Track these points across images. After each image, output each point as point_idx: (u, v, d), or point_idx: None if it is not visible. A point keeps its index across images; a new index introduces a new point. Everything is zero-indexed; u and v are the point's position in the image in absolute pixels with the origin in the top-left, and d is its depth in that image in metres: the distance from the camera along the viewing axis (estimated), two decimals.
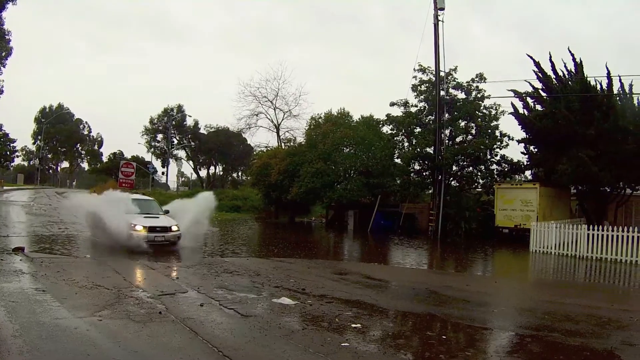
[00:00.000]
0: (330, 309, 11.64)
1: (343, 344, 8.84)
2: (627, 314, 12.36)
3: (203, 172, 77.84)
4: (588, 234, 24.86)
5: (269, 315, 10.77)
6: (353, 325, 10.16)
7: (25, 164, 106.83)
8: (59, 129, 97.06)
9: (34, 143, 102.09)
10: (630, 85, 31.68)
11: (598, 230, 24.65)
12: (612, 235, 24.09)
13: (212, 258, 20.80)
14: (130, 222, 21.46)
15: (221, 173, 75.15)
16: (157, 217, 23.19)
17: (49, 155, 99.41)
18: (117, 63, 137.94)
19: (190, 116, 77.45)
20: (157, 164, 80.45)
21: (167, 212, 24.57)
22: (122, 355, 7.78)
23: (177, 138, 77.57)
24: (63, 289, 12.10)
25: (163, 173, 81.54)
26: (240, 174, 75.15)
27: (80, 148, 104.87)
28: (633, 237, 23.44)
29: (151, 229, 21.59)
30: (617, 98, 31.70)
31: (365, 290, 14.35)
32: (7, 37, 45.45)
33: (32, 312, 9.77)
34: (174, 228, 22.49)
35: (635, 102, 31.85)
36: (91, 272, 14.39)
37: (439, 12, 35.37)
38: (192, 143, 75.70)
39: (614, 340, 9.94)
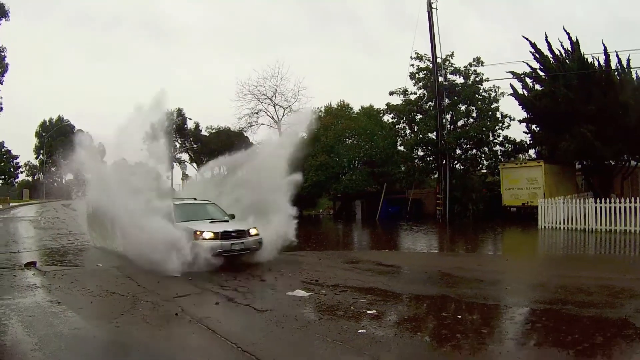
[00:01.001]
0: (345, 297, 11.76)
1: (360, 331, 8.92)
2: None
3: (207, 174, 77.96)
4: (596, 207, 24.91)
5: (284, 308, 10.81)
6: (368, 312, 10.25)
7: (30, 179, 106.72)
8: (61, 141, 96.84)
9: (36, 157, 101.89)
10: (628, 60, 31.83)
11: (605, 203, 24.70)
12: (620, 207, 24.11)
13: None
14: (192, 229, 17.12)
15: (226, 173, 75.24)
16: (227, 221, 18.87)
17: (53, 169, 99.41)
18: (114, 69, 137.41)
19: (190, 119, 77.50)
20: (161, 169, 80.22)
21: (233, 216, 19.49)
22: (142, 358, 7.90)
23: (179, 142, 77.58)
24: (78, 299, 12.09)
25: (167, 177, 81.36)
26: (244, 173, 75.29)
27: (82, 159, 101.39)
28: (636, 207, 23.52)
29: (225, 235, 17.16)
30: (616, 73, 31.73)
31: (378, 277, 14.46)
32: (2, 53, 45.01)
33: (49, 324, 9.75)
34: (253, 231, 17.98)
35: (634, 76, 31.91)
36: (104, 281, 14.39)
37: (432, 0, 35.36)
38: (195, 145, 75.72)
39: (628, 308, 10.00)
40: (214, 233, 17.17)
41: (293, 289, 12.54)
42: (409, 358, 8.04)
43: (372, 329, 9.10)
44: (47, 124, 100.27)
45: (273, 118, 58.95)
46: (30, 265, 17.48)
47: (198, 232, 17.14)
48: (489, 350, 8.04)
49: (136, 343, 8.68)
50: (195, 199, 20.72)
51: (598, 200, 25.14)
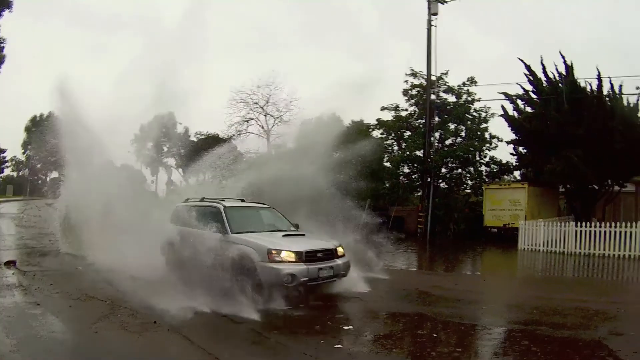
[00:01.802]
0: (322, 312, 11.84)
1: (336, 346, 9.07)
2: (615, 306, 12.66)
3: (192, 180, 77.76)
4: (576, 231, 25.13)
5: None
6: (345, 328, 10.35)
7: (15, 174, 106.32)
8: (49, 138, 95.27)
9: (23, 153, 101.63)
10: (620, 86, 32.02)
11: (585, 226, 24.98)
12: (600, 231, 24.46)
13: None
14: (263, 246, 12.72)
15: (211, 180, 74.97)
16: (302, 235, 14.65)
17: (39, 165, 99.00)
18: (108, 69, 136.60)
19: (180, 123, 77.11)
20: (146, 172, 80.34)
21: (297, 225, 15.91)
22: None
23: (167, 146, 77.31)
24: (57, 302, 12.09)
25: (152, 181, 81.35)
26: (229, 181, 75.07)
27: (69, 158, 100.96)
28: (619, 232, 23.85)
29: (310, 257, 12.87)
30: (607, 99, 32.00)
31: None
32: (1, 44, 44.85)
33: (28, 326, 9.82)
34: (340, 250, 13.90)
35: (625, 102, 32.19)
36: (83, 284, 14.32)
37: (432, 17, 35.59)
38: (182, 150, 75.56)
39: (602, 331, 10.19)
40: (296, 253, 12.67)
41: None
42: None
43: (348, 344, 9.22)
44: (38, 119, 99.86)
45: (263, 127, 58.80)
46: (10, 264, 17.36)
47: (274, 252, 12.57)
48: None
49: (114, 349, 8.72)
50: (242, 200, 17.09)
51: (579, 224, 25.38)
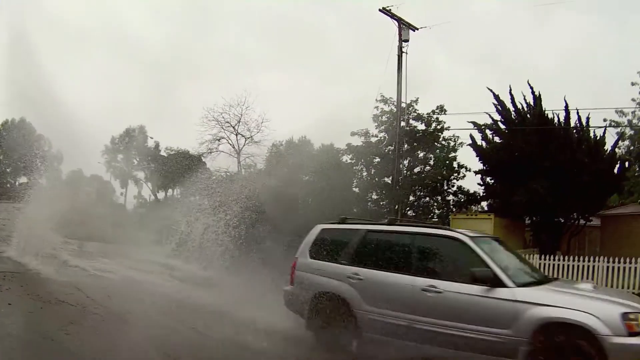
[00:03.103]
0: None
1: None
2: None
3: (161, 195, 77.58)
4: (540, 264, 25.24)
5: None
6: None
7: None
8: (18, 144, 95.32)
9: None
10: (588, 119, 32.48)
11: (548, 259, 25.23)
12: (562, 265, 24.72)
13: None
14: (619, 310, 8.60)
15: (179, 196, 74.77)
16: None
17: (8, 170, 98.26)
18: (81, 80, 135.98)
19: (152, 137, 77.17)
20: (116, 184, 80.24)
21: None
22: None
23: (137, 159, 77.26)
24: (28, 303, 12.23)
25: (121, 194, 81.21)
26: (198, 198, 74.84)
27: (39, 164, 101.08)
28: (582, 265, 24.09)
29: None
30: (574, 131, 32.44)
31: None
32: None
33: (0, 324, 9.97)
34: None
35: (592, 135, 32.58)
36: (53, 288, 14.43)
37: (403, 44, 35.81)
38: (152, 165, 75.35)
39: None
40: None
41: None
42: None
43: None
44: (9, 124, 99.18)
45: (234, 147, 58.73)
46: None
47: (632, 317, 8.45)
48: None
49: (86, 351, 8.76)
50: (392, 220, 13.66)
51: (543, 257, 25.55)
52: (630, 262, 22.94)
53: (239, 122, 58.17)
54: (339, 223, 13.02)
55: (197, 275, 20.33)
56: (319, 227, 13.03)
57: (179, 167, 64.00)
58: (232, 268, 22.72)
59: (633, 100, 39.91)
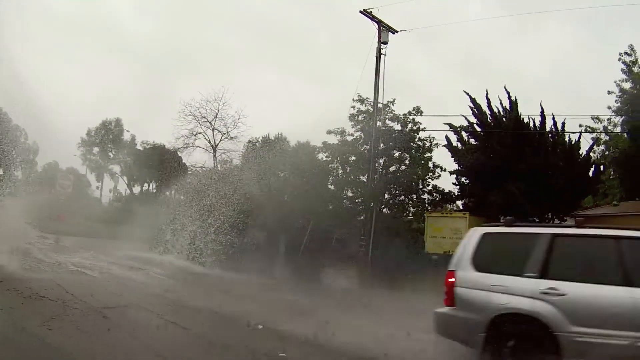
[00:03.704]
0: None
1: None
2: None
3: (136, 189, 77.12)
4: None
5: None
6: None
7: None
8: None
9: None
10: (563, 124, 33.12)
11: None
12: None
13: None
14: None
15: (154, 191, 74.40)
16: None
17: None
18: (58, 72, 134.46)
19: (128, 131, 76.71)
20: (91, 177, 79.79)
21: None
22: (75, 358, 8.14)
23: (113, 153, 76.83)
24: (9, 299, 12.26)
25: (97, 187, 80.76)
26: (173, 192, 74.52)
27: (15, 155, 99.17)
28: None
29: None
30: (549, 135, 32.98)
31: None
32: None
33: None
34: None
35: (567, 139, 33.06)
36: (33, 284, 14.44)
37: (382, 46, 35.96)
38: (128, 159, 74.89)
39: None
40: None
41: None
42: None
43: None
44: None
45: (210, 142, 58.58)
46: None
47: None
48: None
49: (68, 345, 8.87)
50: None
51: None
52: None
53: (215, 117, 58.09)
54: (505, 225, 10.82)
55: (179, 271, 20.42)
56: (479, 231, 10.47)
57: (155, 162, 63.96)
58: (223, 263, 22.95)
59: (609, 107, 40.38)
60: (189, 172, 61.96)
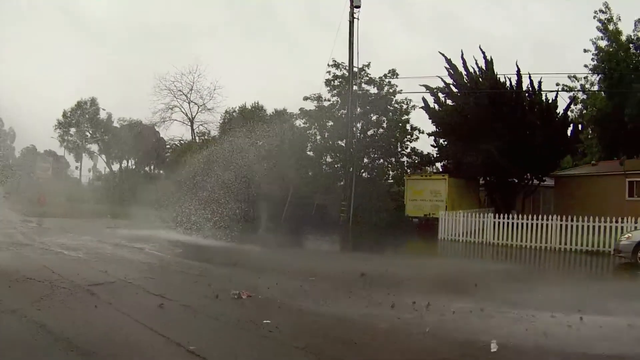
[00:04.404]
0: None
1: None
2: None
3: (115, 167, 76.95)
4: (494, 222, 25.81)
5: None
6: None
7: None
8: None
9: None
10: (540, 82, 33.51)
11: (503, 218, 25.70)
12: (516, 223, 25.17)
13: None
14: None
15: (134, 167, 74.12)
16: None
17: None
18: (29, 54, 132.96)
19: (104, 109, 76.35)
20: (70, 158, 79.46)
21: None
22: (68, 336, 8.20)
23: (90, 132, 76.46)
24: None
25: (77, 168, 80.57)
26: (152, 167, 74.23)
27: None
28: (536, 224, 24.57)
29: None
30: (526, 94, 33.17)
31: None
32: None
33: None
34: None
35: (544, 98, 33.30)
36: (20, 266, 14.50)
37: (355, 10, 35.87)
38: (105, 137, 74.58)
39: None
40: None
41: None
42: None
43: None
44: None
45: (187, 115, 58.44)
46: None
47: None
48: None
49: (59, 324, 8.95)
50: None
51: (497, 216, 26.09)
52: (582, 221, 23.52)
53: (191, 90, 57.93)
54: None
55: (166, 244, 20.50)
56: None
57: (132, 138, 63.83)
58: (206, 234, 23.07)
59: (585, 66, 40.63)
60: (167, 146, 62.19)
